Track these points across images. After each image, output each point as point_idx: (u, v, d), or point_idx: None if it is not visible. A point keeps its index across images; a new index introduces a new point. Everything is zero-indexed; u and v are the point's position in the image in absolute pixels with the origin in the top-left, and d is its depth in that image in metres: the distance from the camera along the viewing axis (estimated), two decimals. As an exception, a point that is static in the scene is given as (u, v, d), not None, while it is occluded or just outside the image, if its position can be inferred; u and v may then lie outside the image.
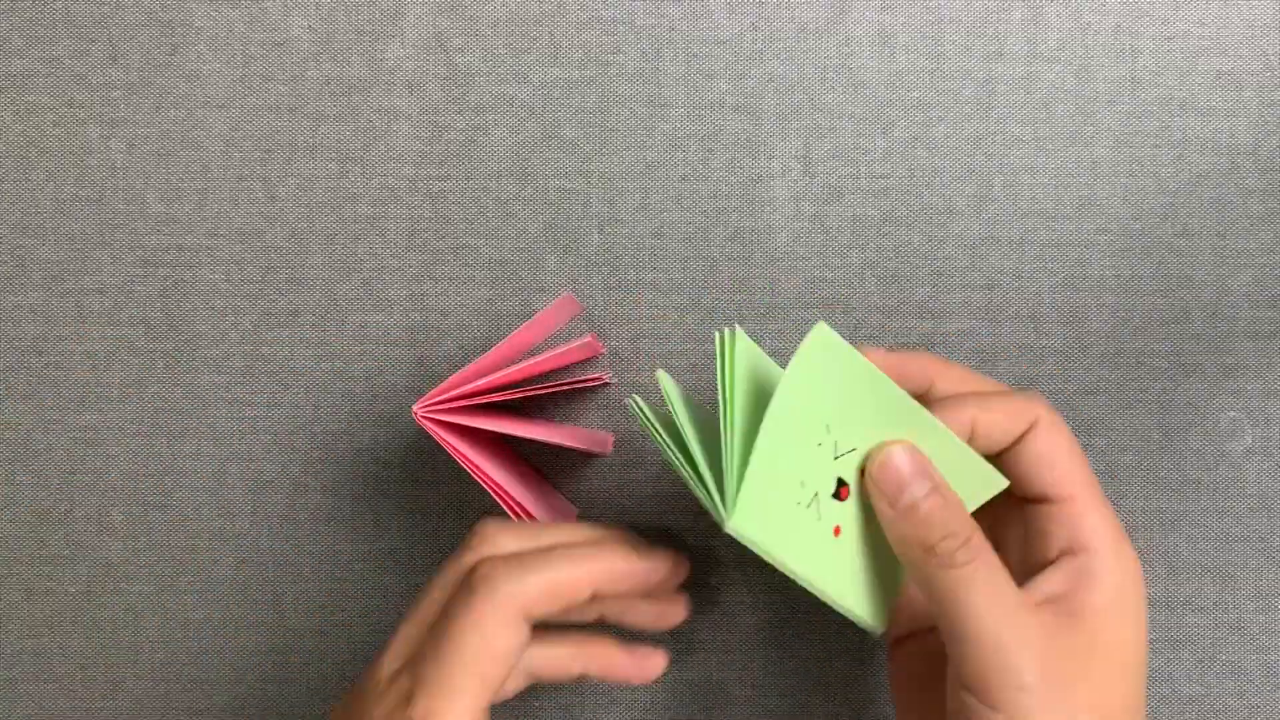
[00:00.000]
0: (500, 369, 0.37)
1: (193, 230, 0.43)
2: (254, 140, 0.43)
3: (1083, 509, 0.33)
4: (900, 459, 0.32)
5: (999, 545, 0.34)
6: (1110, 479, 0.43)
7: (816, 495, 0.32)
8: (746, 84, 0.43)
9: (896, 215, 0.43)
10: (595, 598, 0.34)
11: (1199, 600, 0.43)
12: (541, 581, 0.32)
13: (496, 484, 0.36)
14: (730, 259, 0.43)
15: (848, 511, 0.33)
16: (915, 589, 0.34)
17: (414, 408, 0.36)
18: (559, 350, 0.39)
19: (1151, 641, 0.43)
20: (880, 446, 0.33)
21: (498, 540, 0.33)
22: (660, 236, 0.43)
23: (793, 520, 0.32)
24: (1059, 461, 0.33)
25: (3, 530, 0.43)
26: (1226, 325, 0.43)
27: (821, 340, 0.32)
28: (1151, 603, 0.43)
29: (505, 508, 0.37)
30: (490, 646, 0.31)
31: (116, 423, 0.43)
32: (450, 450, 0.36)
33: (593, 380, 0.40)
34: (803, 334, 0.43)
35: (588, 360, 0.43)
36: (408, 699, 0.30)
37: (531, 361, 0.37)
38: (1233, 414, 0.43)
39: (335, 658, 0.43)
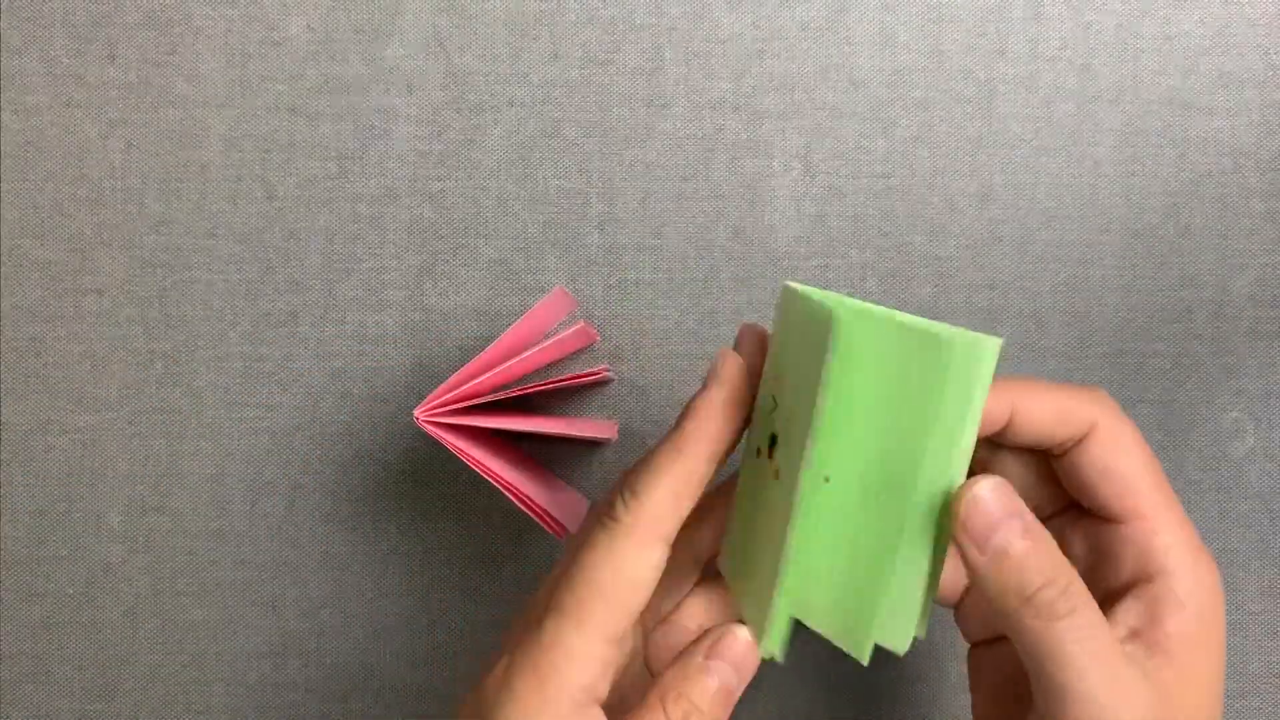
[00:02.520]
0: (498, 366, 0.37)
1: (192, 230, 0.43)
2: (254, 140, 0.43)
3: (1154, 527, 0.30)
4: (988, 496, 0.28)
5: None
6: (1112, 480, 0.43)
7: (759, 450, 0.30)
8: (746, 84, 0.43)
9: (897, 215, 0.43)
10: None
11: (1201, 601, 0.43)
12: (666, 492, 0.29)
13: (508, 482, 0.36)
14: (730, 259, 0.43)
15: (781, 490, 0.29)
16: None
17: (415, 412, 0.36)
18: (554, 340, 0.39)
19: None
20: (967, 484, 0.28)
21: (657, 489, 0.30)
22: (660, 236, 0.43)
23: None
24: (1123, 473, 0.30)
25: (2, 530, 0.43)
26: (1229, 325, 0.43)
27: (789, 296, 0.28)
28: (1153, 604, 0.43)
29: (518, 504, 0.36)
30: (624, 570, 0.29)
31: (116, 423, 0.43)
32: (456, 452, 0.36)
33: (593, 375, 0.40)
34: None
35: (584, 349, 0.43)
36: (538, 622, 0.29)
37: (529, 353, 0.37)
38: (1235, 414, 0.43)
39: (334, 659, 0.43)
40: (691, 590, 0.34)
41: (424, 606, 0.43)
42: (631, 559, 0.29)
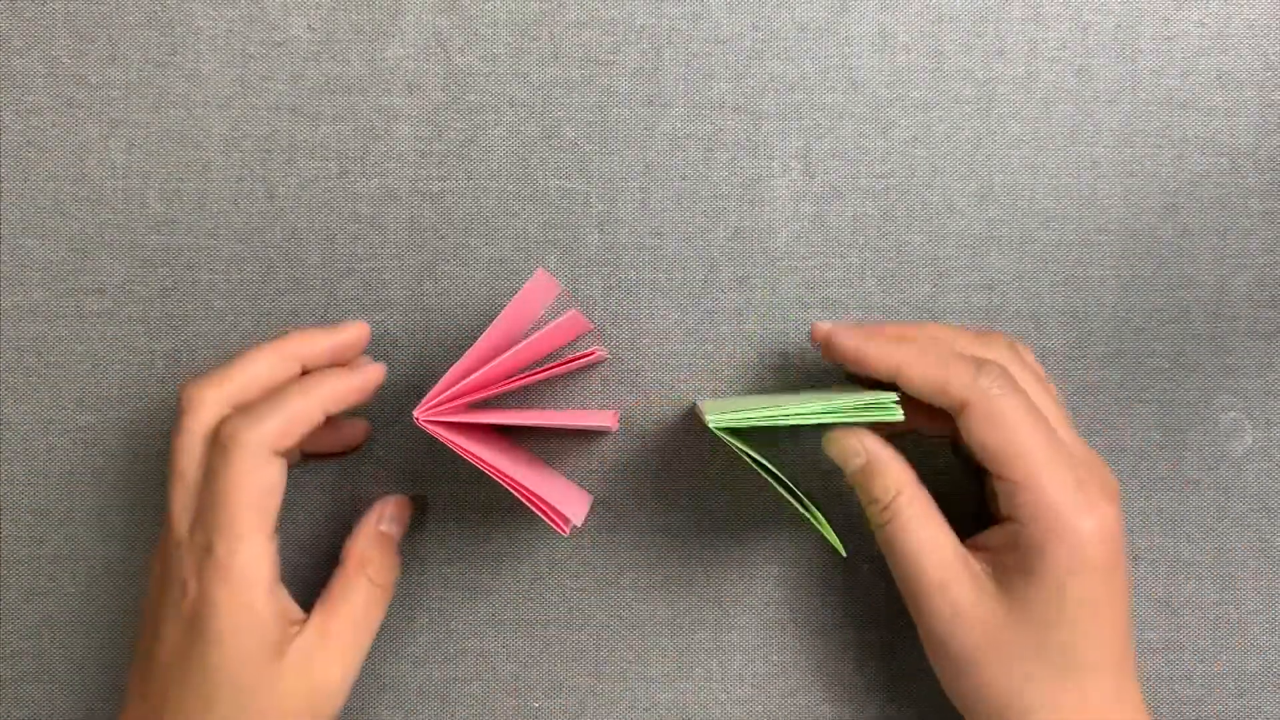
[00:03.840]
0: (493, 359, 0.37)
1: (193, 230, 0.43)
2: (254, 140, 0.43)
3: (1019, 488, 0.35)
4: (840, 438, 0.38)
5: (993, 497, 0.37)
6: (1110, 479, 0.43)
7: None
8: (746, 84, 0.43)
9: (896, 215, 0.43)
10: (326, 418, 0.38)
11: (1199, 600, 0.43)
12: (279, 422, 0.36)
13: (510, 477, 0.36)
14: (730, 259, 0.43)
15: None
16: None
17: (415, 413, 0.36)
18: (547, 329, 0.38)
19: (1152, 642, 0.43)
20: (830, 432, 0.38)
21: (204, 397, 0.37)
22: (660, 236, 0.43)
23: None
24: (988, 445, 0.36)
25: (3, 530, 0.43)
26: (1227, 325, 0.43)
27: (714, 422, 0.36)
28: (1152, 603, 0.43)
29: (521, 498, 0.36)
30: (258, 485, 0.35)
31: (116, 423, 0.43)
32: (457, 449, 0.36)
33: (588, 356, 0.40)
34: (803, 333, 0.43)
35: (579, 338, 0.43)
36: (208, 548, 0.35)
37: (524, 344, 0.37)
38: (1233, 414, 0.43)
39: (335, 658, 0.43)
40: None
41: (424, 606, 0.43)
42: (261, 473, 0.36)
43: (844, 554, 0.40)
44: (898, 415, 0.36)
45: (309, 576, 0.43)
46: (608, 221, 0.43)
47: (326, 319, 0.43)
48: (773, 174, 0.43)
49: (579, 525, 0.39)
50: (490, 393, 0.38)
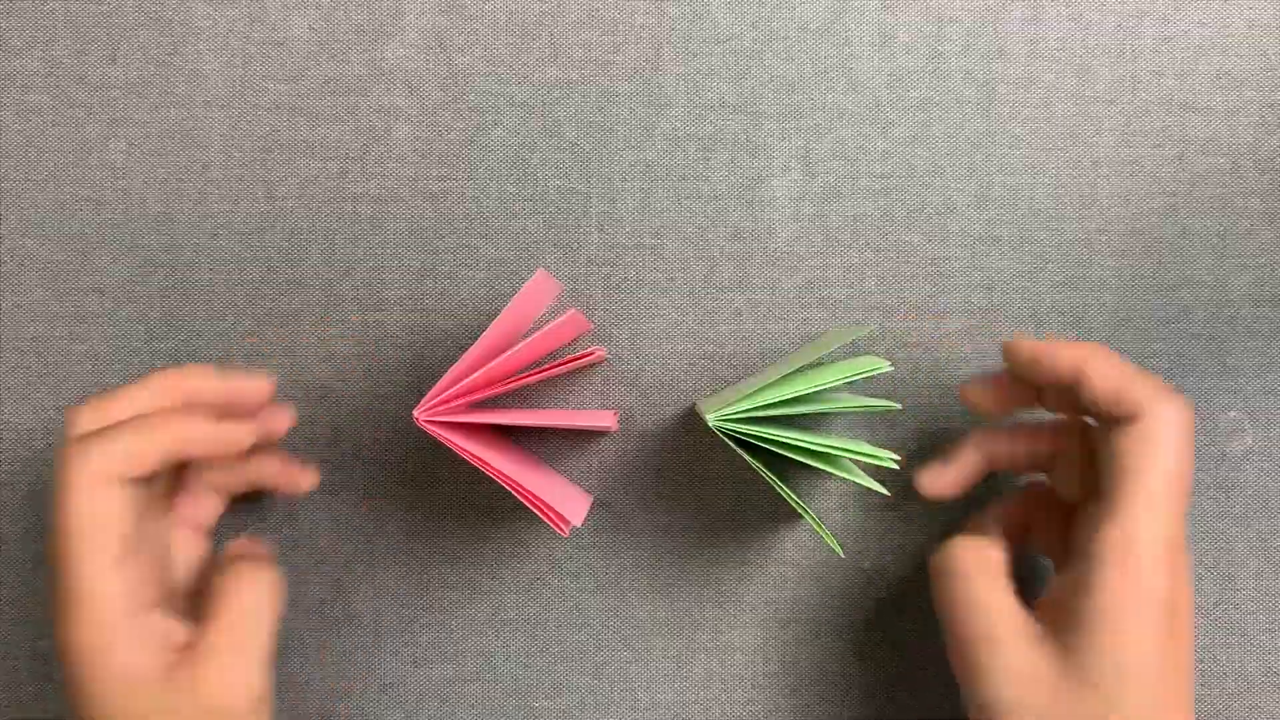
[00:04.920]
0: (493, 359, 0.37)
1: (193, 230, 0.43)
2: (254, 140, 0.43)
3: (1116, 522, 0.34)
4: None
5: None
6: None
7: None
8: (746, 84, 0.43)
9: (896, 215, 0.43)
10: (187, 458, 0.36)
11: (1199, 600, 0.43)
12: (121, 447, 0.33)
13: (510, 478, 0.36)
14: (730, 259, 0.43)
15: None
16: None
17: (415, 413, 0.35)
18: (547, 329, 0.38)
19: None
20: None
21: (80, 420, 0.35)
22: (660, 236, 0.43)
23: None
24: (1131, 469, 0.34)
25: (3, 530, 0.43)
26: (1227, 325, 0.43)
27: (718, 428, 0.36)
28: (1152, 603, 0.43)
29: (521, 500, 0.36)
30: (93, 511, 0.33)
31: (116, 423, 0.43)
32: (457, 450, 0.36)
33: (588, 356, 0.40)
34: (802, 333, 0.43)
35: (579, 338, 0.43)
36: (54, 587, 0.33)
37: (524, 344, 0.37)
38: (1233, 414, 0.43)
39: (334, 658, 0.43)
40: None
41: (424, 606, 0.43)
42: (95, 497, 0.33)
43: (841, 554, 0.40)
44: (895, 406, 0.37)
45: (308, 576, 0.43)
46: (608, 221, 0.43)
47: (327, 319, 0.43)
48: (773, 174, 0.43)
49: (578, 525, 0.39)
50: (490, 393, 0.38)
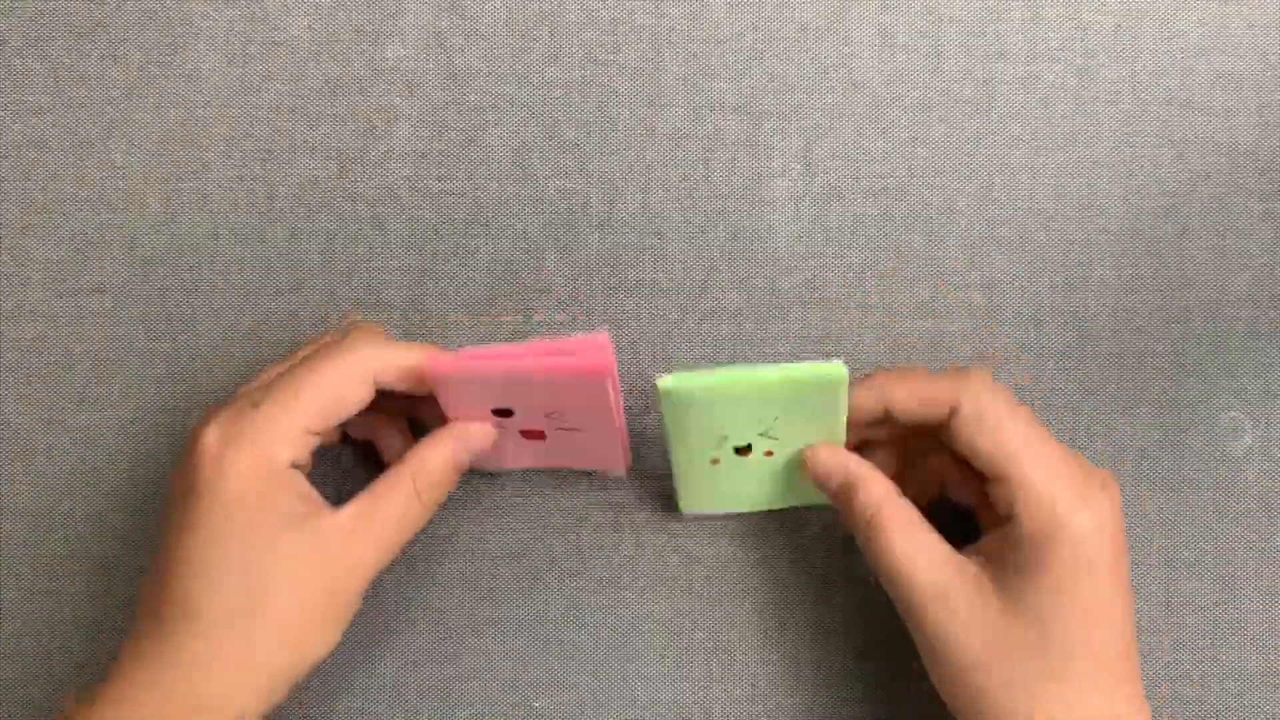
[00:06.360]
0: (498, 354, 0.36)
1: (193, 230, 0.43)
2: (254, 140, 0.43)
3: (1015, 486, 0.35)
4: (819, 458, 0.38)
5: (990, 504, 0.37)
6: (1110, 479, 0.43)
7: (719, 460, 0.39)
8: (746, 84, 0.43)
9: (896, 215, 0.43)
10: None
11: (1199, 600, 0.43)
12: (395, 356, 0.36)
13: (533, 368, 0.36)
14: (730, 259, 0.43)
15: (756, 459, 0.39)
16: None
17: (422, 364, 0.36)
18: (566, 340, 0.36)
19: (1152, 642, 0.43)
20: (809, 450, 0.38)
21: (369, 329, 0.38)
22: (660, 236, 0.43)
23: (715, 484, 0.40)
24: (980, 448, 0.36)
25: (3, 530, 0.43)
26: (1227, 325, 0.43)
27: (668, 391, 0.35)
28: (1152, 602, 0.43)
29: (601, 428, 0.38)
30: (337, 387, 0.36)
31: (116, 423, 0.43)
32: (479, 364, 0.36)
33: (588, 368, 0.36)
34: (802, 333, 0.43)
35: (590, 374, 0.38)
36: (255, 404, 0.35)
37: (532, 342, 0.36)
38: (1233, 414, 0.43)
39: (334, 658, 0.43)
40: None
41: (424, 606, 0.43)
42: (351, 382, 0.36)
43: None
44: (842, 371, 0.35)
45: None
46: (608, 221, 0.43)
47: (327, 319, 0.43)
48: (773, 174, 0.43)
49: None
50: (493, 363, 0.36)
